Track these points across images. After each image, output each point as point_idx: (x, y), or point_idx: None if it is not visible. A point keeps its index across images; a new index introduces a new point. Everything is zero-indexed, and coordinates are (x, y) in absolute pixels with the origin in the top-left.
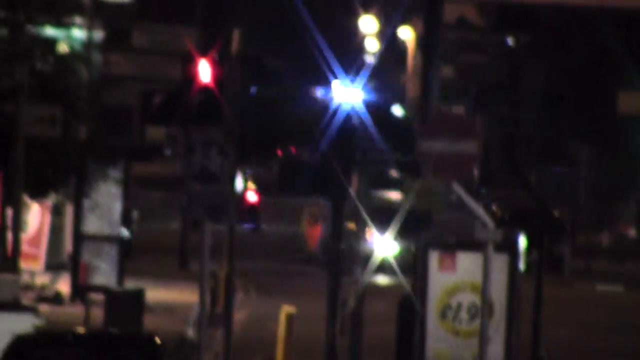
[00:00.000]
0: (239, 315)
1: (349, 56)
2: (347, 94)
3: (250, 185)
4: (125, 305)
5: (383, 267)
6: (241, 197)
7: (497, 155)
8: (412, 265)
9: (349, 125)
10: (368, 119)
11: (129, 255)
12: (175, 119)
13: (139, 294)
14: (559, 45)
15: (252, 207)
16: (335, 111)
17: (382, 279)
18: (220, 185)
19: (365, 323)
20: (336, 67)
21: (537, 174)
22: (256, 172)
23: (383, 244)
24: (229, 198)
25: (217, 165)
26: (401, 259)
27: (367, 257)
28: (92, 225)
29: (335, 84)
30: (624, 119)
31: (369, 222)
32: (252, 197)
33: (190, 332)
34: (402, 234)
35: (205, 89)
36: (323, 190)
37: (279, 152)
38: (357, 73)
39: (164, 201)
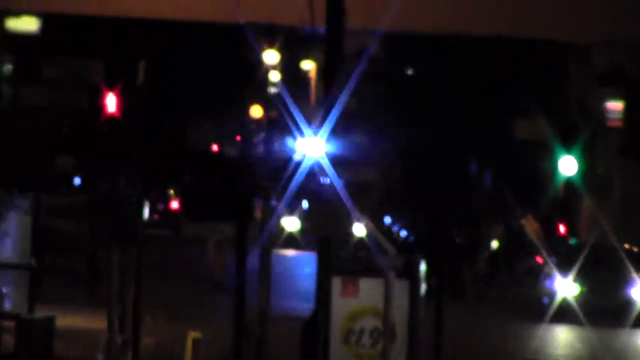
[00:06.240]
0: (147, 341)
1: (254, 87)
2: (249, 124)
3: (172, 194)
4: (36, 332)
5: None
6: (166, 205)
7: (398, 183)
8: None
9: (250, 155)
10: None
11: (40, 284)
12: (83, 149)
13: (49, 321)
14: (456, 75)
15: (174, 214)
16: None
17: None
18: (128, 213)
19: (270, 348)
20: (240, 98)
21: (439, 199)
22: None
23: None
24: (137, 225)
25: (124, 194)
26: None
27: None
28: (3, 254)
29: (241, 115)
30: (521, 144)
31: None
32: (174, 204)
33: (100, 358)
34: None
35: (111, 119)
36: (226, 216)
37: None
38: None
39: (73, 230)
